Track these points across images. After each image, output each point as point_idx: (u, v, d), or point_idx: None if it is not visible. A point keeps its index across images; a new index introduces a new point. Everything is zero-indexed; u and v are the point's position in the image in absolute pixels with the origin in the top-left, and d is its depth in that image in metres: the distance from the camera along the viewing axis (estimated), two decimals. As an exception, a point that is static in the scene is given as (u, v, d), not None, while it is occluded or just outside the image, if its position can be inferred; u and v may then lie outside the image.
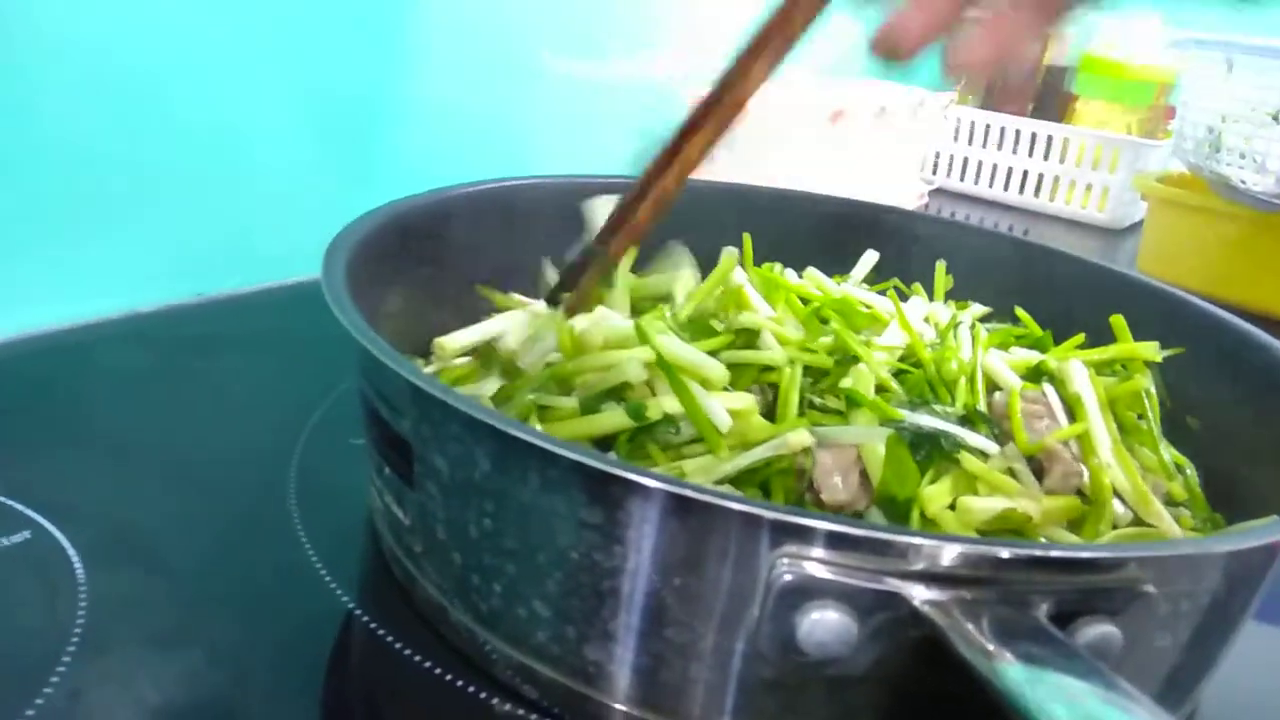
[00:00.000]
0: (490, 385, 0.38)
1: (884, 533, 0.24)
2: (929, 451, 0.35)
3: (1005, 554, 0.23)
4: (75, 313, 0.52)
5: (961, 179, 1.14)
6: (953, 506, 0.33)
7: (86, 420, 0.43)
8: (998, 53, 0.32)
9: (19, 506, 0.36)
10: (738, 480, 0.34)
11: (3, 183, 0.48)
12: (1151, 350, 0.40)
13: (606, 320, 0.38)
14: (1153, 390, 0.39)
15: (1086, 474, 0.36)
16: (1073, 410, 0.38)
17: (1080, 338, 0.42)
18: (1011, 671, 0.20)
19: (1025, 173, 1.09)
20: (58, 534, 0.35)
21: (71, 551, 0.34)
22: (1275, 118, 0.74)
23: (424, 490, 0.30)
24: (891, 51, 0.33)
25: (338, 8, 0.58)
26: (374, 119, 0.63)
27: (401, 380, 0.28)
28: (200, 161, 0.55)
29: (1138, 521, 0.36)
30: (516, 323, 0.41)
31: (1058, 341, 0.44)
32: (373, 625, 0.33)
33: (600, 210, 0.45)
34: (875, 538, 0.23)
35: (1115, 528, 0.36)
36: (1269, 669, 0.36)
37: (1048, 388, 0.38)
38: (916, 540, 0.23)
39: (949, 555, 0.23)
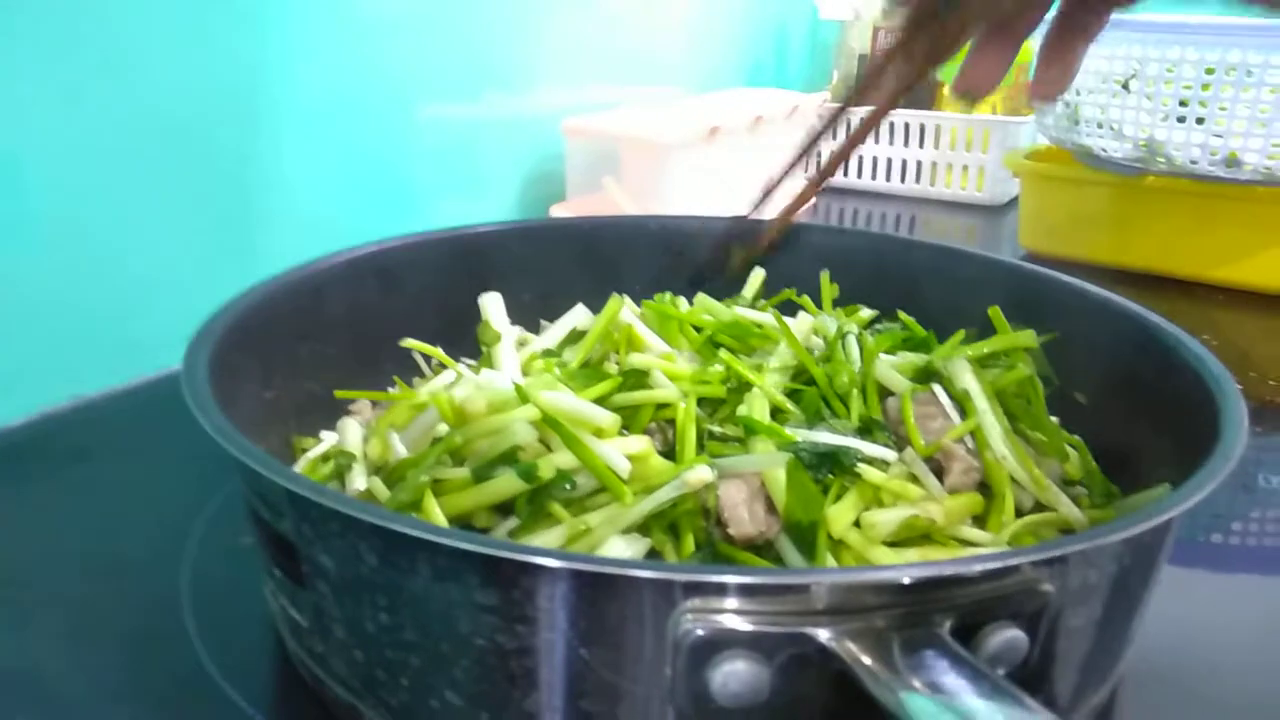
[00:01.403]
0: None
1: (777, 576, 0.24)
2: (830, 469, 0.35)
3: (904, 579, 0.23)
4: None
5: (846, 174, 1.16)
6: (858, 522, 0.33)
7: None
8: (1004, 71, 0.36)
9: None
10: (645, 526, 0.33)
11: None
12: (1029, 338, 0.41)
13: (487, 384, 0.37)
14: (1035, 376, 0.40)
15: (983, 467, 0.36)
16: (963, 406, 0.38)
17: (961, 334, 0.43)
18: (916, 701, 0.20)
19: (905, 161, 1.12)
20: None
21: None
22: (1125, 86, 0.78)
23: (315, 590, 0.29)
24: (972, 93, 0.38)
25: (197, 72, 0.56)
26: (247, 186, 0.61)
27: (275, 483, 0.27)
28: (62, 252, 0.52)
29: (1040, 505, 0.37)
30: (351, 426, 0.40)
31: (944, 336, 0.44)
32: (285, 735, 0.31)
33: (493, 306, 0.45)
34: (770, 583, 0.23)
35: (1021, 514, 0.36)
36: (1184, 618, 0.37)
37: (936, 387, 0.39)
38: (810, 578, 0.23)
39: (846, 588, 0.23)
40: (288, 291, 0.40)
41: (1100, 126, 0.78)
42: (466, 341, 0.48)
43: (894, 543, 0.34)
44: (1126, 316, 0.42)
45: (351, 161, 0.68)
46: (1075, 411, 0.43)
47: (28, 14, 0.48)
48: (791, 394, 0.40)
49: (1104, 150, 0.78)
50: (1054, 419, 0.41)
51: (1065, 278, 0.46)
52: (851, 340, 0.42)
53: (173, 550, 0.40)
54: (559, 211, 0.80)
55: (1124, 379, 0.41)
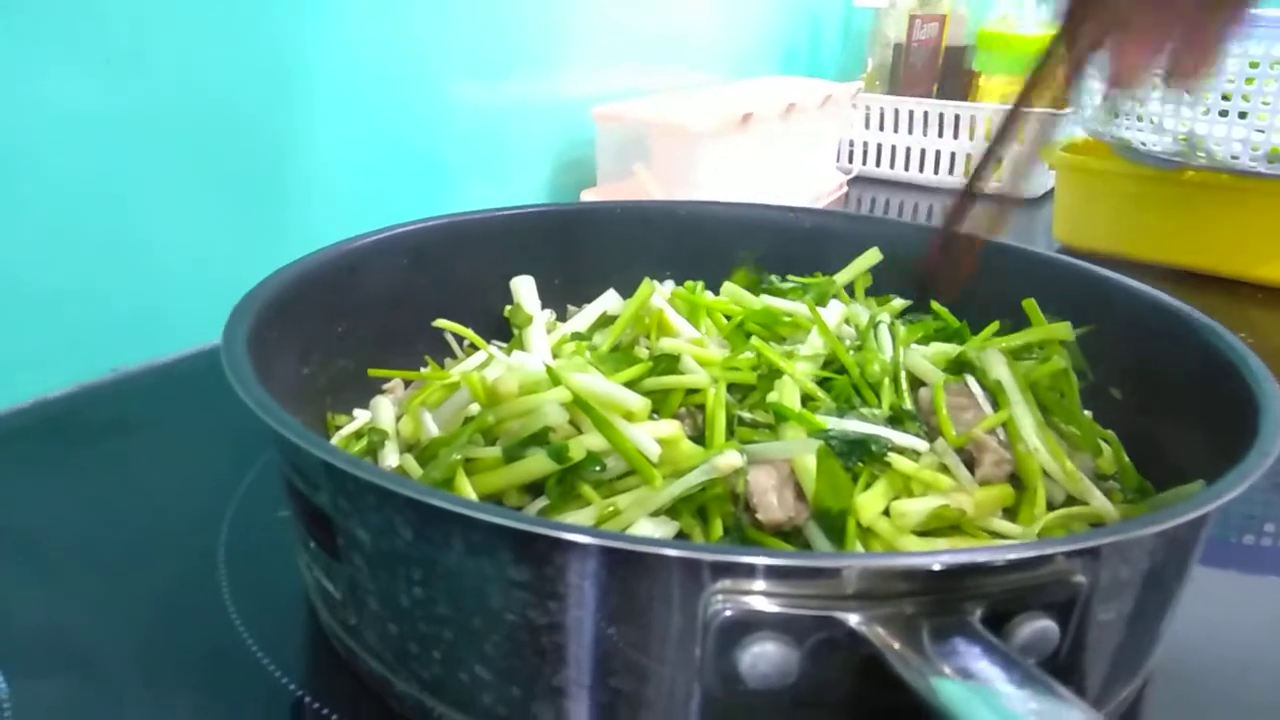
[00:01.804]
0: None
1: (807, 559, 0.24)
2: (860, 457, 0.35)
3: (935, 565, 0.23)
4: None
5: (877, 165, 1.16)
6: (888, 511, 0.33)
7: (5, 519, 0.41)
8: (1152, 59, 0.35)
9: None
10: (674, 509, 0.33)
11: None
12: (1065, 330, 0.40)
13: (519, 366, 0.37)
14: (1069, 370, 0.40)
15: (1014, 459, 0.36)
16: (996, 398, 0.38)
17: (995, 325, 0.43)
18: (947, 687, 0.20)
19: (938, 153, 1.11)
20: None
21: None
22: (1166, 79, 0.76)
23: (350, 562, 0.29)
24: (1125, 87, 0.37)
25: (233, 51, 0.56)
26: (282, 165, 0.61)
27: (313, 456, 0.28)
28: (101, 228, 0.52)
29: (1071, 500, 0.37)
30: (383, 404, 0.41)
31: (977, 329, 0.44)
32: (317, 706, 0.32)
33: (525, 288, 0.45)
34: (801, 565, 0.23)
35: (1052, 508, 0.36)
36: (1214, 618, 0.37)
37: (969, 379, 0.39)
38: (842, 563, 0.23)
39: (876, 573, 0.23)
40: (324, 269, 0.41)
41: (1140, 120, 0.77)
42: (497, 323, 0.48)
43: (923, 533, 0.34)
44: (1164, 311, 0.41)
45: (384, 142, 0.68)
46: (1110, 406, 0.43)
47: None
48: (821, 382, 0.40)
49: (1143, 144, 0.77)
50: (1088, 413, 0.41)
51: (1103, 271, 0.45)
52: (883, 329, 0.42)
53: (210, 523, 0.40)
54: (589, 197, 0.80)
55: (1161, 375, 0.41)
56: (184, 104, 0.54)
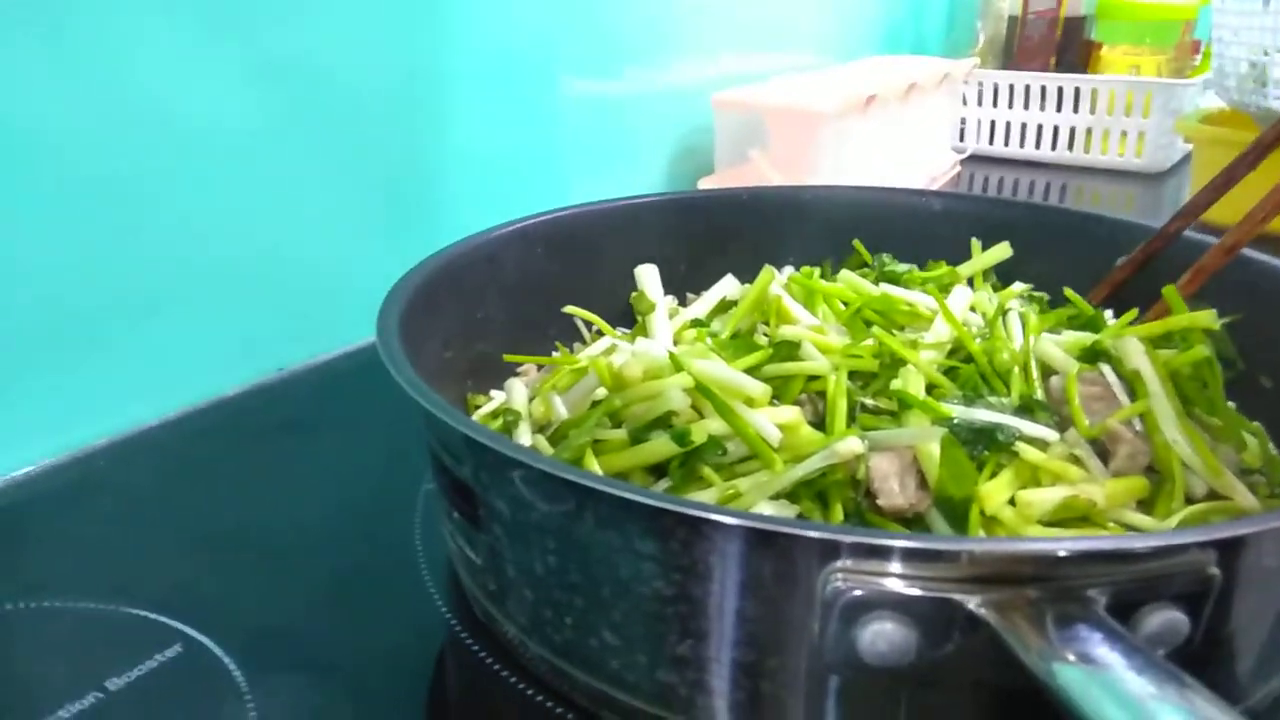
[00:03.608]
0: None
1: (932, 543, 0.24)
2: (986, 446, 0.35)
3: (1059, 552, 0.23)
4: (156, 409, 0.52)
5: (991, 142, 1.12)
6: (1014, 501, 0.33)
7: (202, 519, 0.43)
8: None
9: (163, 619, 0.36)
10: (794, 494, 0.34)
11: (80, 281, 0.49)
12: (1209, 318, 0.39)
13: (644, 352, 0.39)
14: (1214, 358, 0.38)
15: (1150, 451, 0.35)
16: (1133, 388, 0.37)
17: (1133, 313, 0.41)
18: (1067, 671, 0.21)
19: (1056, 128, 1.07)
20: (208, 643, 0.35)
21: (227, 660, 0.34)
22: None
23: (490, 532, 0.32)
24: None
25: (366, 58, 0.59)
26: (416, 166, 0.65)
27: (456, 431, 0.30)
28: (256, 238, 0.56)
29: (1212, 494, 0.36)
30: (517, 387, 0.43)
31: (1113, 311, 0.43)
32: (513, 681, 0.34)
33: (649, 276, 0.46)
34: (924, 548, 0.24)
35: (1192, 502, 0.35)
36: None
37: (1104, 368, 0.38)
38: (965, 546, 0.23)
39: (1000, 558, 0.23)
40: (466, 258, 0.43)
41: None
42: (624, 309, 0.50)
43: (1051, 523, 0.33)
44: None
45: (510, 137, 0.70)
46: (1260, 396, 0.41)
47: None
48: (947, 371, 0.40)
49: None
50: (1232, 404, 0.39)
51: (1253, 253, 0.43)
52: (1014, 317, 0.42)
53: (404, 513, 0.43)
54: (706, 184, 0.81)
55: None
56: (325, 111, 0.58)
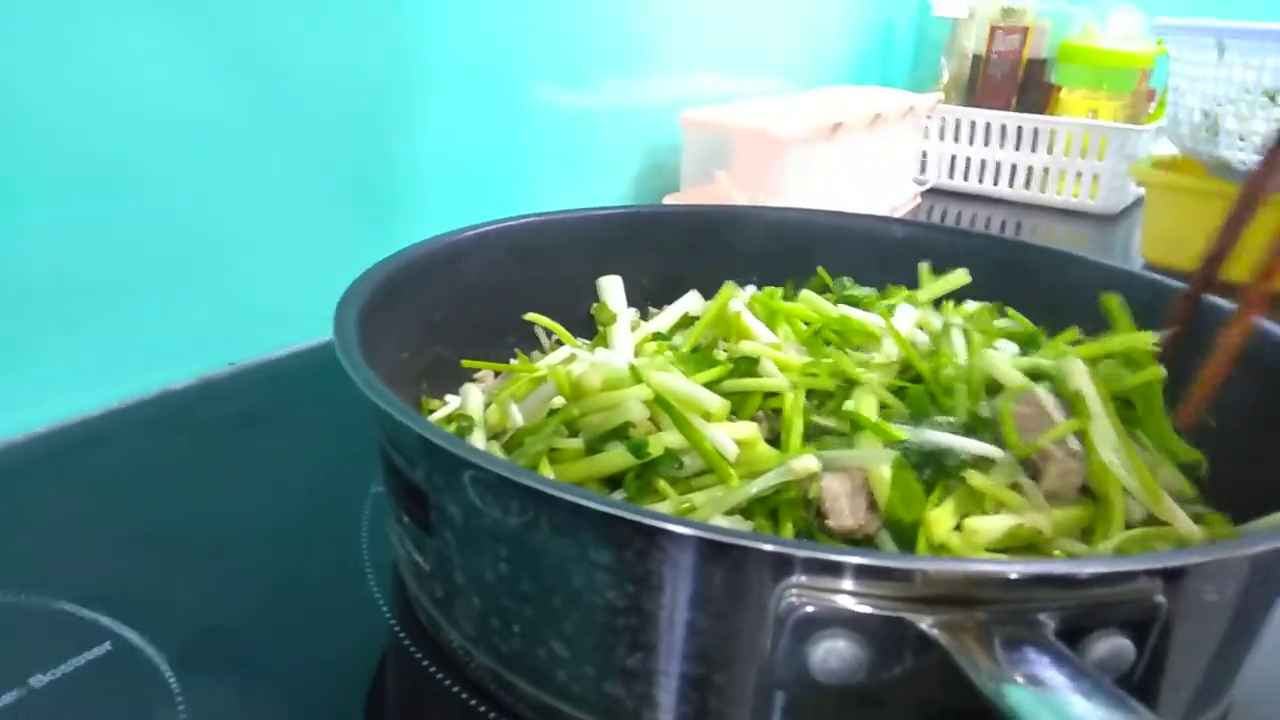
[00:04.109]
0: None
1: (888, 560, 0.24)
2: (934, 470, 0.35)
3: (1011, 574, 0.24)
4: (98, 399, 0.50)
5: (951, 177, 1.14)
6: (960, 527, 0.33)
7: (140, 513, 0.42)
8: None
9: (93, 615, 0.35)
10: (748, 510, 0.34)
11: (20, 270, 0.47)
12: (1145, 339, 0.39)
13: (603, 363, 0.38)
14: (1156, 383, 0.39)
15: (1084, 470, 0.36)
16: (1075, 409, 0.37)
17: (1074, 333, 0.42)
18: (1016, 694, 0.21)
19: (1014, 166, 1.10)
20: (140, 642, 0.34)
21: (159, 660, 0.33)
22: (1273, 98, 0.74)
23: (441, 537, 0.31)
24: None
25: (339, 56, 0.59)
26: (383, 169, 0.64)
27: (412, 432, 0.29)
28: (216, 228, 0.55)
29: (1151, 519, 0.36)
30: (473, 392, 0.42)
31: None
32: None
33: (612, 287, 0.45)
34: (879, 565, 0.24)
35: (1130, 527, 0.36)
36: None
37: (1039, 389, 0.38)
38: (920, 565, 0.23)
39: (952, 578, 0.23)
40: (427, 259, 0.43)
41: (1242, 139, 0.75)
42: (584, 320, 0.50)
43: (997, 550, 0.34)
44: (1264, 337, 0.40)
45: (480, 144, 0.70)
46: (1203, 436, 0.41)
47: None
48: (897, 390, 0.40)
49: (1243, 163, 0.75)
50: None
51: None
52: (956, 333, 0.42)
53: (352, 514, 0.42)
54: (672, 202, 0.81)
55: (1257, 404, 0.39)
56: (293, 107, 0.57)
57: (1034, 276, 0.50)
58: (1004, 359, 0.41)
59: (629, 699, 0.28)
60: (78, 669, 0.32)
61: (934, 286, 0.50)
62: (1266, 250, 0.37)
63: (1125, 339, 0.40)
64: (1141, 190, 1.05)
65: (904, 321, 0.45)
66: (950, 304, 0.49)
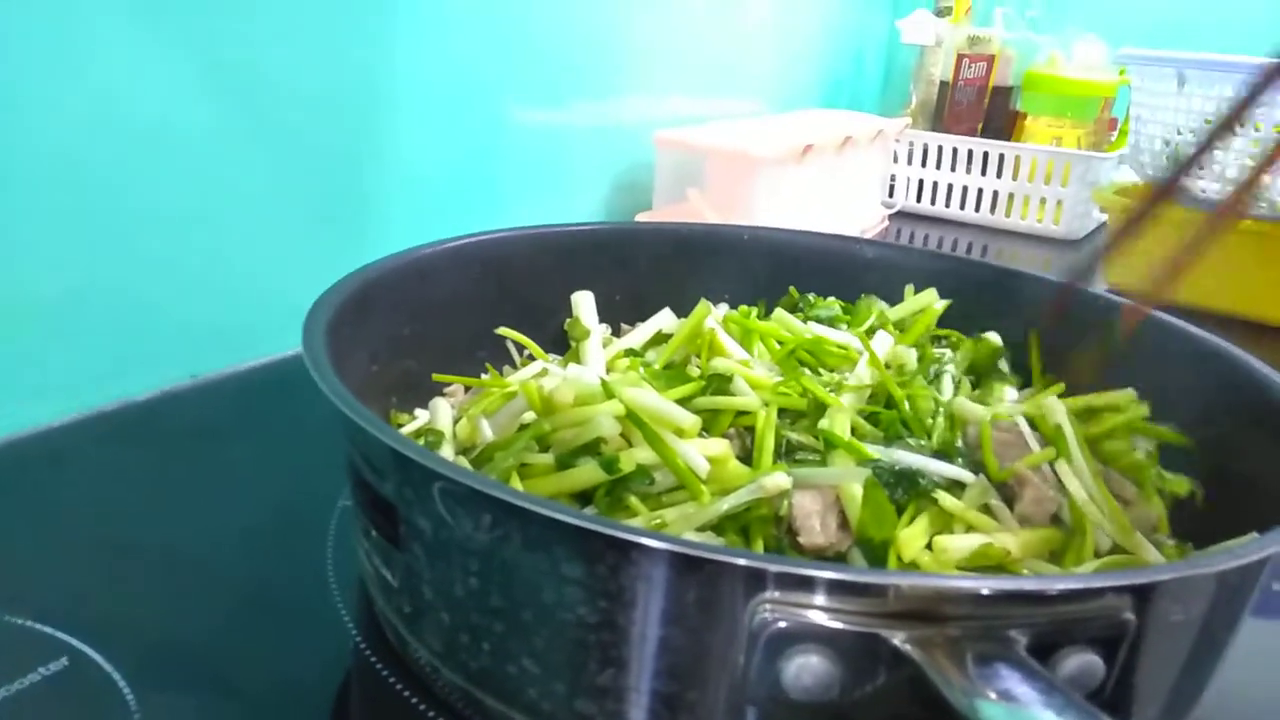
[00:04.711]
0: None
1: (861, 576, 0.24)
2: (906, 490, 0.36)
3: (983, 590, 0.24)
4: (56, 409, 0.49)
5: (919, 200, 1.16)
6: (931, 546, 0.34)
7: (99, 526, 0.41)
8: None
9: (49, 630, 0.34)
10: (719, 527, 0.34)
11: None
12: (1130, 399, 0.40)
13: (575, 378, 0.38)
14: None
15: (1059, 499, 0.36)
16: (1053, 444, 0.38)
17: (1060, 387, 0.43)
18: (989, 709, 0.21)
19: (980, 191, 1.12)
20: (97, 657, 0.33)
21: (117, 677, 0.32)
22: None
23: (410, 551, 0.31)
24: None
25: (311, 75, 0.58)
26: (355, 184, 0.64)
27: (382, 444, 0.29)
28: (181, 241, 0.54)
29: (1118, 549, 0.37)
30: (442, 406, 0.42)
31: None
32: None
33: (585, 303, 0.45)
34: (852, 581, 0.24)
35: (1099, 555, 0.36)
36: (1266, 665, 0.37)
37: (1019, 419, 0.39)
38: (893, 581, 0.24)
39: (925, 594, 0.23)
40: (398, 272, 0.42)
41: (1202, 168, 0.77)
42: (557, 335, 0.49)
43: (965, 569, 0.34)
44: (1222, 358, 0.41)
45: (451, 161, 0.70)
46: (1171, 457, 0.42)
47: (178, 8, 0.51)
48: (869, 416, 0.41)
49: (1204, 191, 0.77)
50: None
51: (1168, 318, 0.45)
52: (948, 379, 0.43)
53: (317, 529, 0.41)
54: (644, 220, 0.82)
55: (1221, 425, 0.40)
56: (266, 119, 0.56)
57: (1003, 296, 0.50)
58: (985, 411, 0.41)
59: (600, 716, 0.28)
60: (33, 684, 0.31)
61: (903, 306, 0.51)
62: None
63: (1105, 397, 0.41)
64: (1104, 216, 1.07)
65: (880, 347, 0.46)
66: (929, 347, 0.49)
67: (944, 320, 0.50)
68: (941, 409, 0.40)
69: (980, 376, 0.47)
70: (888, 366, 0.46)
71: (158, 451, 0.48)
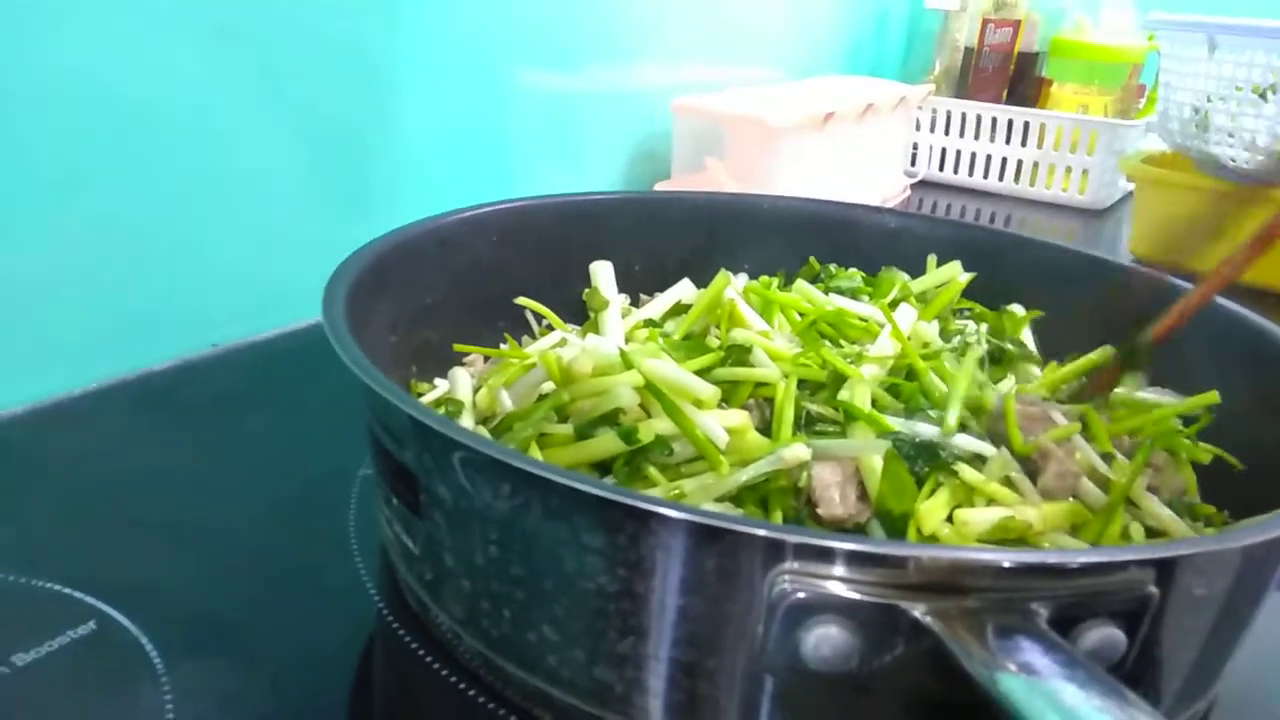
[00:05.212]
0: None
1: (881, 547, 0.24)
2: (927, 462, 0.35)
3: (1004, 562, 0.24)
4: (79, 378, 0.50)
5: (941, 169, 1.14)
6: (951, 519, 0.33)
7: (125, 494, 0.41)
8: None
9: (78, 594, 0.34)
10: (738, 498, 0.34)
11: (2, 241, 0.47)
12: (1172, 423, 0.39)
13: (594, 348, 0.38)
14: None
15: (1081, 473, 0.36)
16: (1085, 420, 0.38)
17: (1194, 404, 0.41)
18: (1009, 681, 0.21)
19: (1004, 159, 1.10)
20: (125, 622, 0.33)
21: (144, 641, 0.33)
22: (1263, 95, 0.75)
23: (431, 520, 0.31)
24: None
25: (316, 44, 0.58)
26: (369, 152, 0.63)
27: (402, 413, 0.29)
28: (198, 208, 0.54)
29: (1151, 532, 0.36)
30: (462, 376, 0.42)
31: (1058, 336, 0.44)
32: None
33: (603, 273, 0.45)
34: (872, 552, 0.24)
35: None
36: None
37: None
38: (913, 553, 0.23)
39: (946, 566, 0.23)
40: (419, 240, 0.42)
41: (1231, 136, 0.75)
42: (576, 305, 0.49)
43: (986, 542, 0.34)
44: (1259, 333, 0.40)
45: (466, 129, 0.69)
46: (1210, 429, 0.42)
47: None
48: (890, 388, 0.40)
49: (1233, 160, 0.76)
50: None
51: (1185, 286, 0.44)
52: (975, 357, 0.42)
53: (339, 497, 0.42)
54: (663, 189, 0.81)
55: (1252, 398, 0.40)
56: (277, 86, 0.56)
57: (1030, 267, 0.50)
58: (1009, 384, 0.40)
59: (619, 684, 0.28)
60: (62, 647, 0.32)
61: (927, 278, 0.50)
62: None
63: (1150, 418, 0.40)
64: (1130, 185, 1.06)
65: (904, 320, 0.45)
66: (953, 318, 0.49)
67: (966, 292, 0.50)
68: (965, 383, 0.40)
69: (1003, 350, 0.46)
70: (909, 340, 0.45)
71: (179, 420, 0.48)
